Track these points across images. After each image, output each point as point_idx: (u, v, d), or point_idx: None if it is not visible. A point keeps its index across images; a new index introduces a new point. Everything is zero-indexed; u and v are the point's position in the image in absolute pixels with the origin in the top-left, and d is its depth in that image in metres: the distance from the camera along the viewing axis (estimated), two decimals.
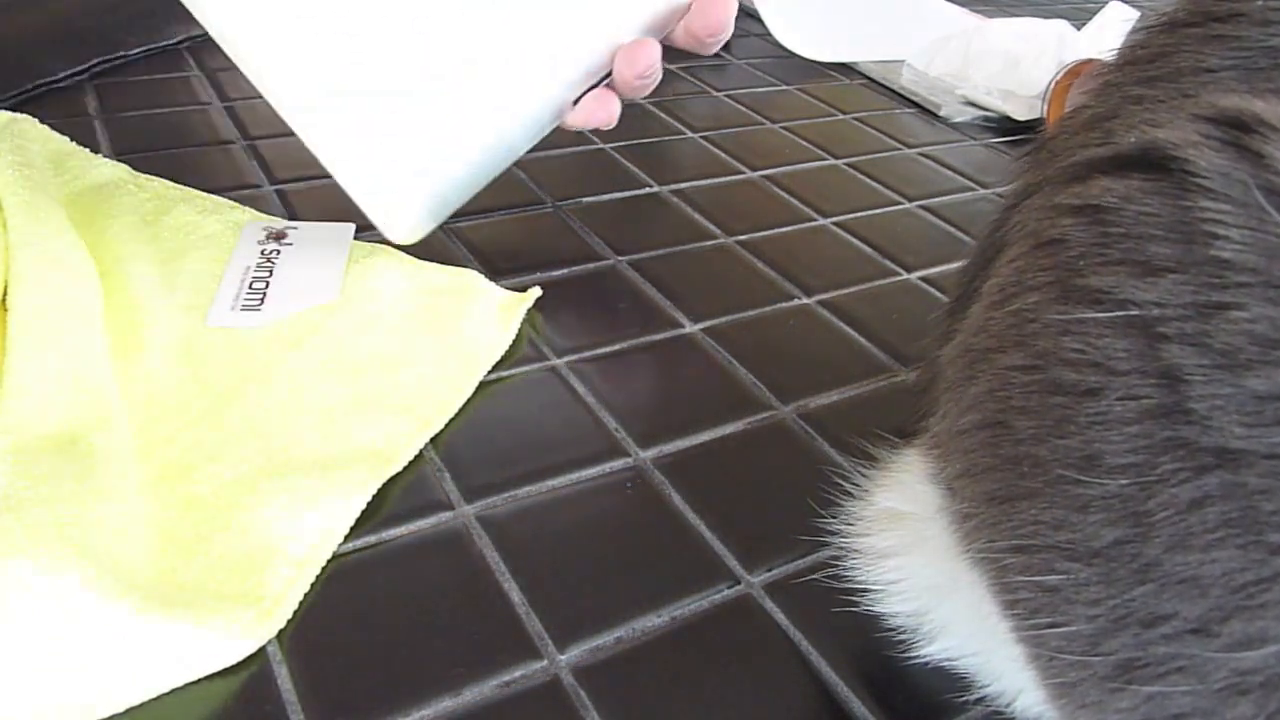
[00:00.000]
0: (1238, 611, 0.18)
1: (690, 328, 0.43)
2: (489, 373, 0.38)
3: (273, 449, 0.32)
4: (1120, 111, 0.23)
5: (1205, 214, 0.19)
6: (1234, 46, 0.22)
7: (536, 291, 0.42)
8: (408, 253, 0.43)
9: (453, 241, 0.47)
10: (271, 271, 0.40)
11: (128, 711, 0.24)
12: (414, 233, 0.39)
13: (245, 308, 0.38)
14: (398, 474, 0.32)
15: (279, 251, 0.42)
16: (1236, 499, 0.18)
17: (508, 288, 0.42)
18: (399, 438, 0.33)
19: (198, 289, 0.39)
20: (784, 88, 0.74)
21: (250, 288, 0.39)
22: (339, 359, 0.36)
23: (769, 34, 0.81)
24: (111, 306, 0.37)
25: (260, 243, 0.42)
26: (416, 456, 0.33)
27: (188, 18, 0.38)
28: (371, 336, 0.38)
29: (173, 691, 0.25)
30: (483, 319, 0.39)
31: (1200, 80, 0.22)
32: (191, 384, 0.34)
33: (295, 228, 0.44)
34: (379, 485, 0.31)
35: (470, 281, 0.42)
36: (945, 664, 0.28)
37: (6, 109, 0.48)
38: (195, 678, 0.25)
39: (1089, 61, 0.67)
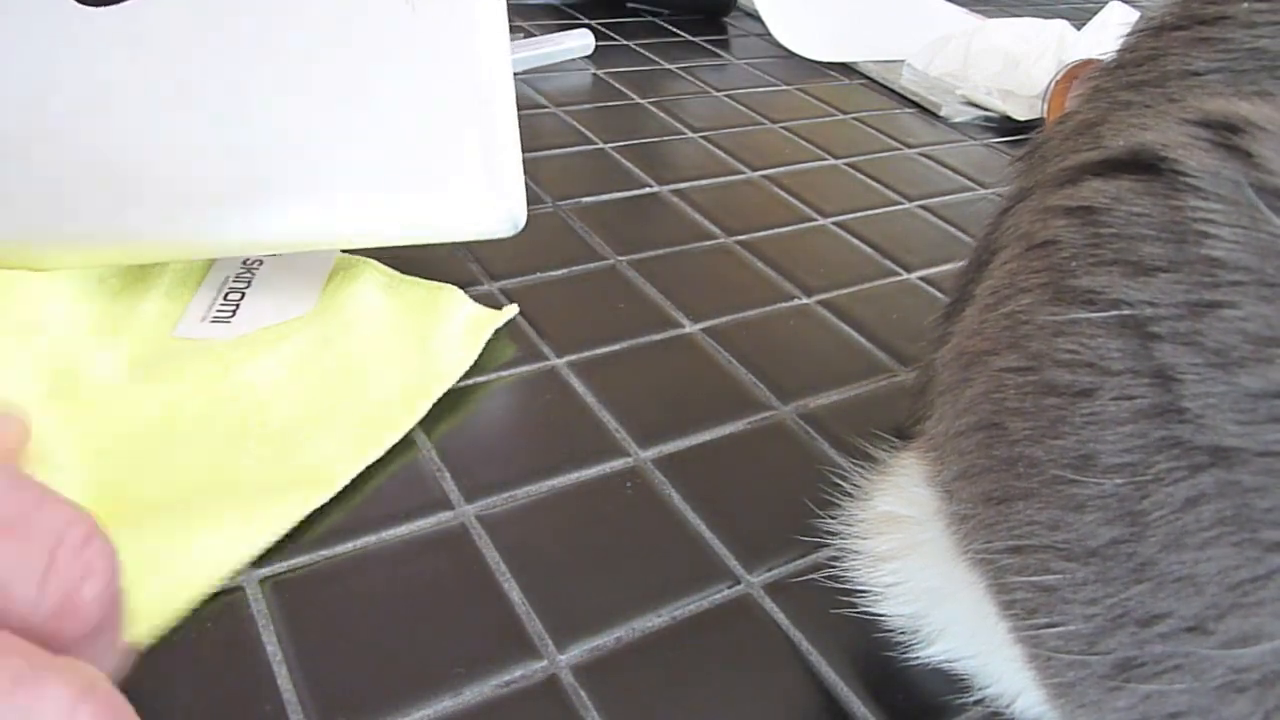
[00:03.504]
0: (1233, 609, 0.18)
1: (690, 328, 0.43)
2: (490, 374, 0.38)
3: (207, 466, 0.31)
4: (1109, 117, 0.24)
5: (1196, 213, 0.19)
6: (1220, 49, 0.22)
7: (512, 309, 0.41)
8: (388, 264, 0.42)
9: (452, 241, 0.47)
10: (250, 283, 0.40)
11: None
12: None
13: (215, 319, 0.37)
14: (398, 473, 0.32)
15: (261, 263, 0.41)
16: (1231, 497, 0.18)
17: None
18: (338, 462, 0.32)
19: (172, 297, 0.38)
20: (784, 88, 0.74)
21: (225, 299, 0.39)
22: (298, 376, 0.35)
23: (769, 34, 0.82)
24: (80, 308, 0.36)
25: None
26: (416, 456, 0.33)
27: None
28: (333, 354, 0.37)
29: (172, 691, 0.25)
30: (447, 338, 0.38)
31: (1186, 84, 0.22)
32: (145, 395, 0.34)
33: None
34: (306, 513, 0.30)
35: (445, 298, 0.40)
36: (945, 665, 0.28)
37: None
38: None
39: (1089, 61, 0.67)
